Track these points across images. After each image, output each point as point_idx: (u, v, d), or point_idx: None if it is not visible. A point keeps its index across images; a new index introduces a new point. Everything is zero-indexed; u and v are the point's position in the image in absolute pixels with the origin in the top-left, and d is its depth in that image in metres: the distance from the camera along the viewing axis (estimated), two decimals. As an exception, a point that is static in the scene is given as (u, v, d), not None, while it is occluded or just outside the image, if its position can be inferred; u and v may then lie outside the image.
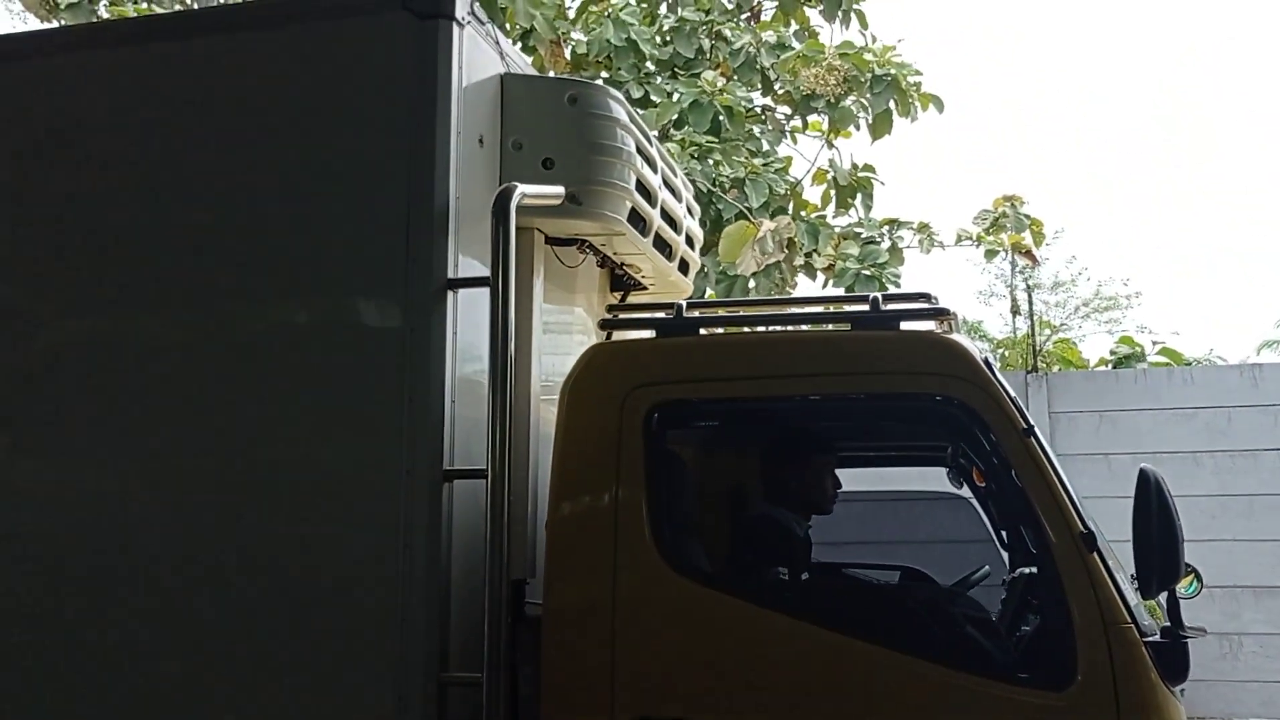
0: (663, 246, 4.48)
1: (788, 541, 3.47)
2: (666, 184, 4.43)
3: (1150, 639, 2.92)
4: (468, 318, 3.43)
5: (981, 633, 3.08)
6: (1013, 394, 3.12)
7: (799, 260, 9.74)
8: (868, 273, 9.21)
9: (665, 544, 3.19)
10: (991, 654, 3.05)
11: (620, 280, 4.64)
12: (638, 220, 4.10)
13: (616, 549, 3.20)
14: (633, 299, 4.58)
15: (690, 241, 4.79)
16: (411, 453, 3.29)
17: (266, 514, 3.43)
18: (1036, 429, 3.07)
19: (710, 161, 10.53)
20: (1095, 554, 2.93)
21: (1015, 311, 15.29)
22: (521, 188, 3.43)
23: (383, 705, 3.19)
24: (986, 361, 3.15)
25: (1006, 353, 15.94)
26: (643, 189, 4.07)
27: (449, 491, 3.33)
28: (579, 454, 3.31)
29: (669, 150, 7.26)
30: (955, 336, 3.25)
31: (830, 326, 3.45)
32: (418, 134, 3.46)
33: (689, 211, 4.80)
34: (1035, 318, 14.53)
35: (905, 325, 3.29)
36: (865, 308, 3.29)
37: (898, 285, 8.75)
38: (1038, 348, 14.82)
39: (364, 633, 3.27)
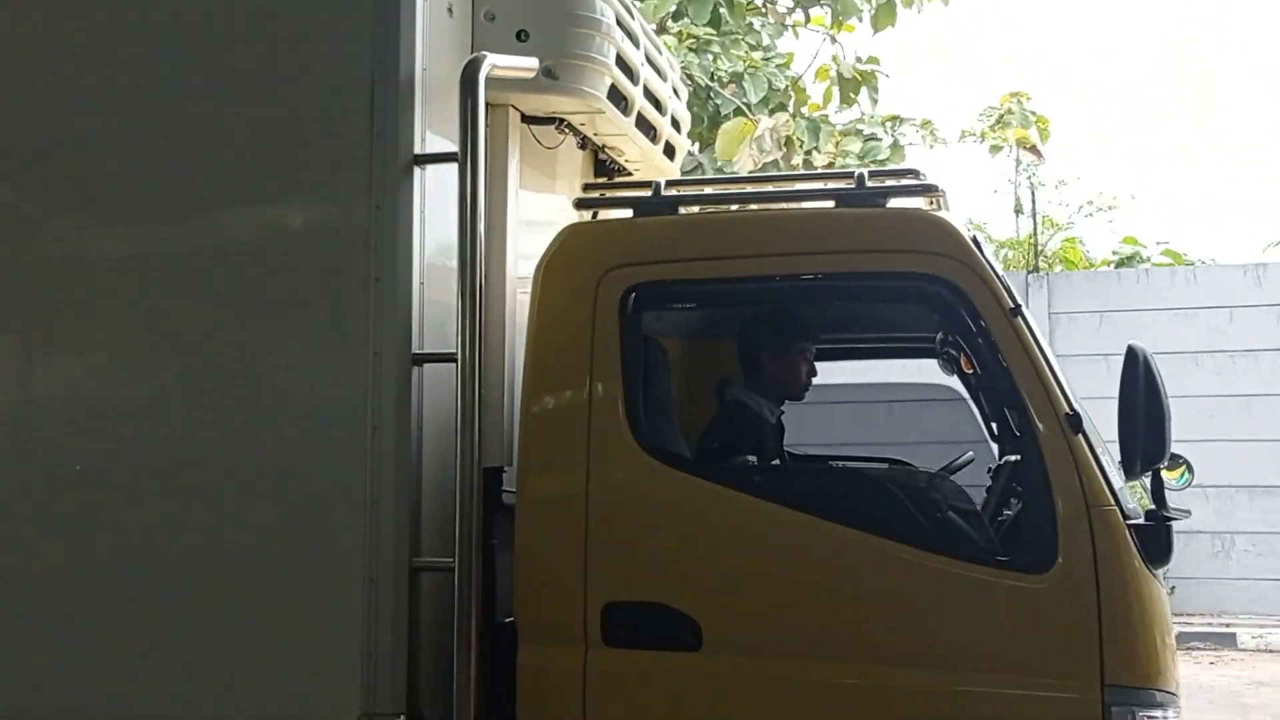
0: (647, 129, 4.32)
1: (763, 427, 3.39)
2: (650, 61, 4.25)
3: (1133, 521, 2.85)
4: (438, 197, 3.30)
5: (960, 516, 3.01)
6: (1000, 273, 3.00)
7: (797, 159, 9.54)
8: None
9: (639, 429, 3.10)
10: (970, 537, 2.99)
11: (604, 166, 4.49)
12: (618, 98, 3.93)
13: (590, 434, 3.12)
14: (617, 184, 4.44)
15: (676, 124, 4.62)
16: (379, 336, 3.19)
17: (238, 400, 3.34)
18: (1024, 309, 2.96)
19: (708, 55, 10.25)
20: (1081, 436, 2.84)
21: (1019, 211, 15.04)
22: (492, 58, 3.28)
23: (354, 587, 3.14)
24: (975, 240, 3.03)
25: (1010, 253, 15.73)
26: (624, 65, 3.90)
27: (419, 376, 3.24)
28: (552, 338, 3.21)
29: (665, 44, 7.01)
30: (943, 214, 3.12)
31: (814, 205, 3.32)
32: (382, 2, 3.29)
33: (675, 92, 4.62)
34: (1038, 217, 14.30)
35: (892, 203, 3.16)
36: (851, 185, 3.16)
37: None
38: (1039, 248, 14.62)
39: (335, 515, 3.21)
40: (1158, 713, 2.82)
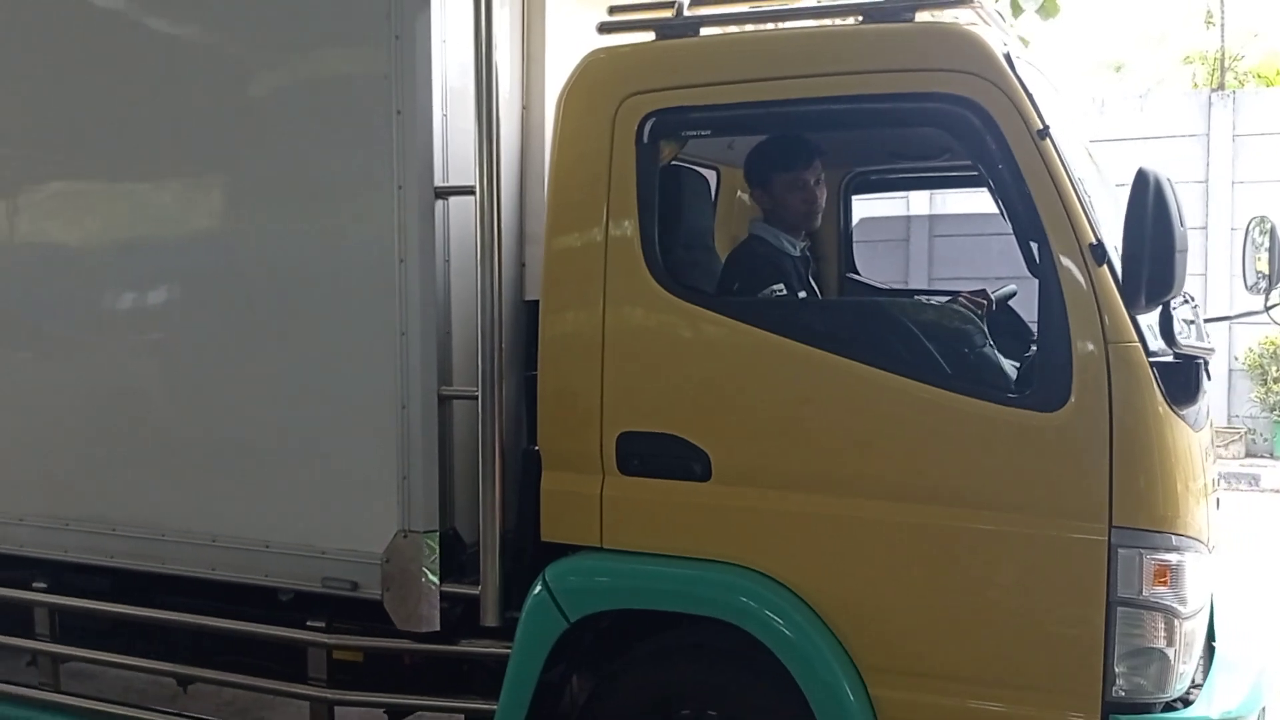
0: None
1: (780, 260, 3.30)
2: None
3: (1158, 359, 2.68)
4: (462, 25, 3.26)
5: (971, 349, 2.89)
6: (1033, 92, 2.78)
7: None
8: None
9: (654, 262, 3.07)
10: (981, 372, 2.87)
11: None
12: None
13: (606, 267, 3.10)
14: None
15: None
16: (403, 169, 3.23)
17: (277, 240, 3.48)
18: (1054, 132, 2.75)
19: None
20: (1105, 267, 2.66)
21: (1210, 23, 13.74)
22: (505, -121, 3.17)
23: (389, 414, 3.28)
24: (1008, 56, 2.80)
25: (1197, 69, 14.48)
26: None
27: (444, 208, 3.29)
28: (572, 170, 3.17)
29: None
30: (975, 28, 2.89)
31: (839, 22, 3.12)
32: None
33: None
34: (1224, 29, 13.03)
35: (923, 16, 2.94)
36: (874, -1, 2.96)
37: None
38: (1229, 62, 13.39)
39: (370, 346, 3.33)
40: (1172, 557, 2.69)
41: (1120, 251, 2.56)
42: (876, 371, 2.87)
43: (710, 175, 3.87)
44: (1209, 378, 2.92)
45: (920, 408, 2.83)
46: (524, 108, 3.55)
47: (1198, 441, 2.83)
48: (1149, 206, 2.45)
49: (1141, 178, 2.48)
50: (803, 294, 3.32)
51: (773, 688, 2.95)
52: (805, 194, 3.36)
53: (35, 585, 3.96)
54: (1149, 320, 2.74)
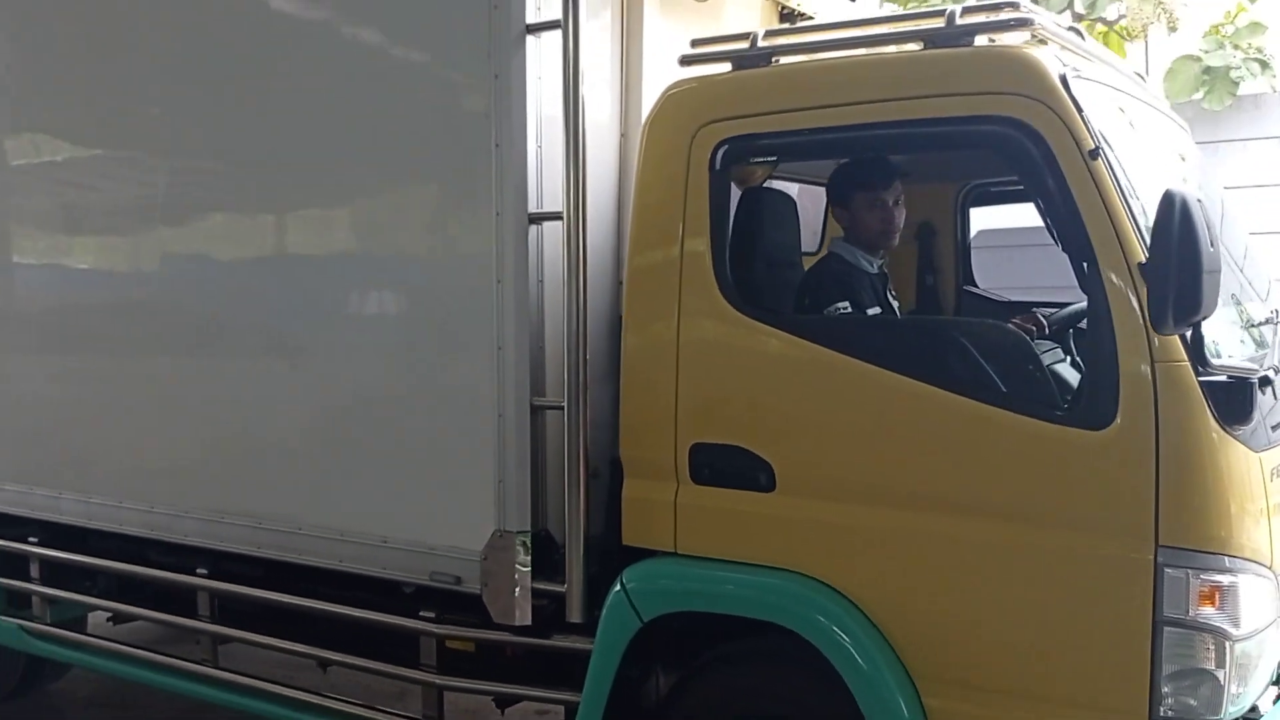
0: (814, -29, 4.28)
1: (856, 278, 3.40)
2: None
3: (1208, 379, 2.66)
4: (555, 63, 3.51)
5: (1024, 369, 2.92)
6: (1089, 112, 2.81)
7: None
8: None
9: (725, 282, 3.24)
10: (1032, 390, 2.90)
11: (790, 14, 4.49)
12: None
13: (681, 285, 3.29)
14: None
15: (858, -36, 4.51)
16: (500, 197, 3.50)
17: (381, 261, 3.85)
18: (1107, 152, 2.77)
19: None
20: None
21: None
22: (594, -73, 3.41)
23: (488, 422, 3.56)
24: (1063, 76, 2.84)
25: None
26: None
27: (538, 233, 3.54)
28: (652, 195, 3.38)
29: None
30: (1031, 50, 2.93)
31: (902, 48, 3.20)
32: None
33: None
34: None
35: (983, 40, 3.01)
36: (941, 24, 3.03)
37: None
38: None
39: (470, 359, 3.62)
40: (1223, 578, 2.67)
41: (1147, 272, 2.57)
42: (930, 388, 2.95)
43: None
44: (1277, 397, 2.86)
45: (972, 423, 2.90)
46: (622, 135, 3.78)
47: (1258, 462, 2.78)
48: (1175, 228, 2.46)
49: (1168, 199, 2.49)
50: (875, 310, 3.41)
51: (830, 693, 3.05)
52: (882, 213, 3.45)
53: (198, 571, 4.44)
54: (1207, 339, 2.73)
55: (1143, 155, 3.19)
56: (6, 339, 5.04)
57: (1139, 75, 3.96)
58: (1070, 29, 3.35)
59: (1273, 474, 2.87)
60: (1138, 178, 2.87)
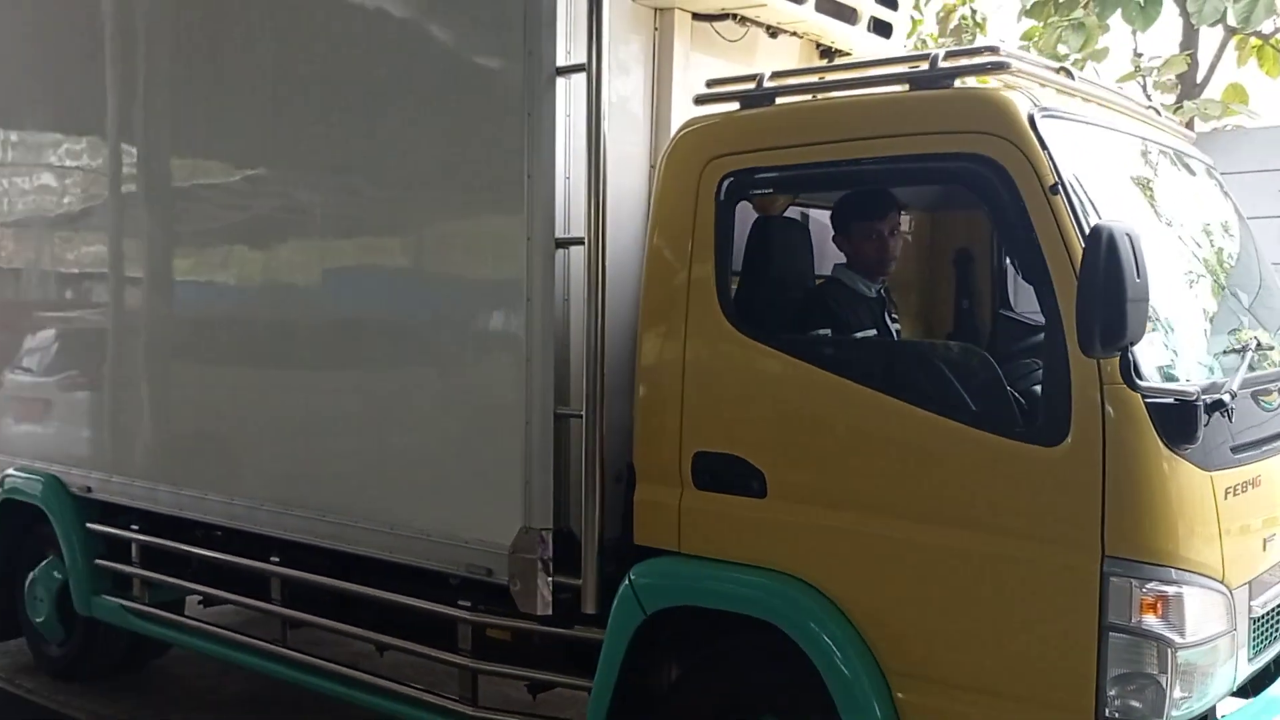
0: (842, 11, 4.52)
1: (855, 301, 3.63)
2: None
3: (1153, 400, 2.84)
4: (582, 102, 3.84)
5: (989, 388, 3.11)
6: (1055, 152, 3.01)
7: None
8: None
9: (727, 302, 3.52)
10: (995, 409, 3.09)
11: (828, 50, 4.74)
12: (787, -11, 4.21)
13: (688, 308, 3.58)
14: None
15: (890, 2, 4.73)
16: (531, 224, 3.84)
17: (426, 278, 4.24)
18: (1071, 187, 2.97)
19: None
20: None
21: None
22: (614, -20, 3.73)
23: (516, 428, 3.90)
24: (1031, 117, 3.04)
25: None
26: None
27: (564, 256, 3.87)
28: (666, 220, 3.68)
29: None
30: (1004, 91, 3.14)
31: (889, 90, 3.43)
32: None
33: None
34: None
35: (963, 82, 3.23)
36: (926, 66, 3.27)
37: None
38: None
39: (502, 370, 3.97)
40: (1168, 589, 2.84)
41: (1077, 300, 2.76)
42: (901, 403, 3.18)
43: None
44: (1229, 417, 2.99)
45: (937, 437, 3.12)
46: (651, 166, 4.09)
47: (1208, 480, 2.93)
48: (1102, 259, 2.65)
49: (1095, 233, 2.68)
50: (871, 332, 3.63)
51: (812, 685, 3.29)
52: (878, 243, 3.68)
53: (271, 559, 4.89)
54: (1158, 364, 2.91)
55: (1119, 187, 3.36)
56: (127, 351, 5.61)
57: (1152, 109, 4.10)
58: (1060, 69, 3.54)
59: (1230, 492, 3.01)
60: (1107, 209, 3.06)
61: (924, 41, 13.03)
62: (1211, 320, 3.40)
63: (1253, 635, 3.18)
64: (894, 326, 3.78)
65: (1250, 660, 3.19)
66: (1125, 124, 3.67)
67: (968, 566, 3.09)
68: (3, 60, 6.12)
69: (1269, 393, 3.30)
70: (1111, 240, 2.64)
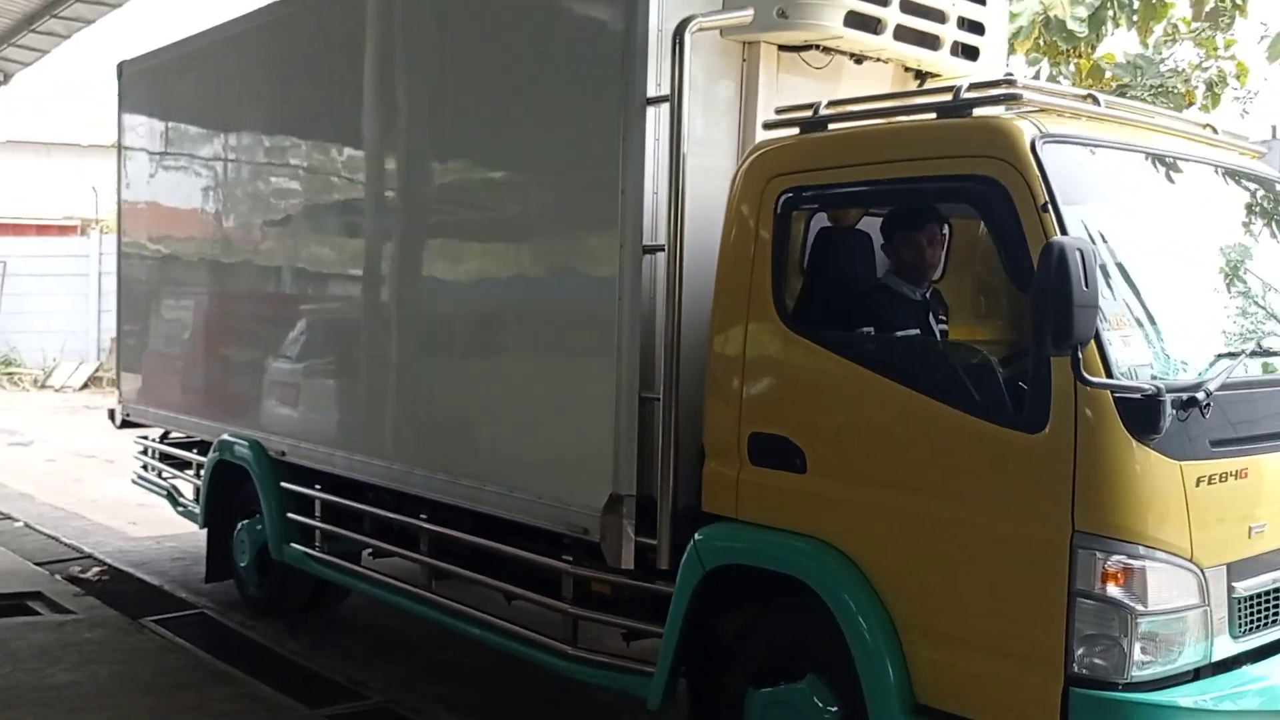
0: (924, 39, 4.93)
1: (901, 304, 4.08)
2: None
3: (1121, 395, 3.21)
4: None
5: (989, 382, 3.54)
6: (1051, 174, 3.39)
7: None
8: None
9: (780, 303, 4.05)
10: (990, 400, 3.50)
11: (920, 75, 5.17)
12: (867, 21, 4.67)
13: (750, 303, 4.13)
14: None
15: (976, 28, 5.09)
16: (624, 232, 4.48)
17: (535, 282, 4.98)
18: (1060, 205, 3.36)
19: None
20: None
21: None
22: (699, 19, 4.30)
23: (608, 408, 4.54)
24: (1034, 143, 3.44)
25: None
26: (865, -9, 4.62)
27: (651, 262, 4.48)
28: (735, 232, 4.23)
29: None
30: (1013, 119, 3.53)
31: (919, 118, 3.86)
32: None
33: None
34: None
35: (982, 111, 3.66)
36: (950, 98, 3.71)
37: None
38: None
39: (598, 359, 4.62)
40: (1132, 562, 3.20)
41: (1032, 307, 3.16)
42: (913, 393, 3.65)
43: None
44: (1204, 414, 3.32)
45: (943, 423, 3.57)
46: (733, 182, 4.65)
47: (1176, 468, 3.27)
48: (1052, 270, 3.05)
49: (1047, 248, 3.08)
50: (914, 332, 4.08)
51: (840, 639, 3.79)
52: (918, 252, 4.13)
53: (420, 516, 5.70)
54: (1130, 361, 3.29)
55: (1123, 203, 3.71)
56: (315, 340, 6.60)
57: (1210, 127, 4.36)
58: (1088, 96, 3.89)
59: (1203, 481, 3.34)
60: (1099, 224, 3.44)
61: (1175, 27, 12.88)
62: (1213, 326, 3.69)
63: (1239, 614, 3.47)
64: (939, 327, 4.21)
65: (1238, 638, 3.48)
66: (1160, 143, 3.98)
67: (964, 536, 3.53)
68: (282, 83, 7.05)
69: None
70: (1062, 254, 3.05)
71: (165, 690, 5.64)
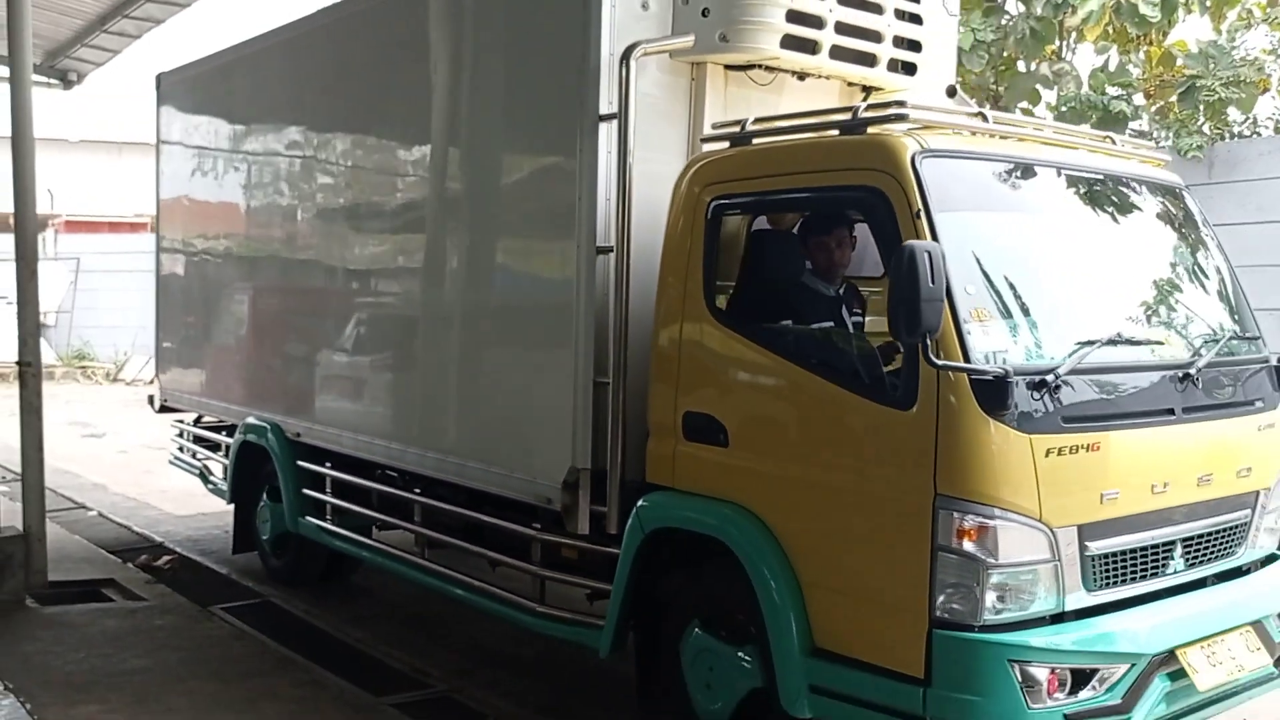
0: (861, 58, 5.43)
1: (815, 299, 4.60)
2: (865, 4, 5.34)
3: (976, 378, 3.71)
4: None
5: (875, 368, 4.06)
6: (927, 184, 3.90)
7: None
8: None
9: (709, 298, 4.59)
10: (873, 381, 4.03)
11: (869, 90, 5.66)
12: (804, 43, 5.18)
13: (685, 298, 4.67)
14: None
15: (913, 45, 5.57)
16: (580, 234, 5.03)
17: (508, 279, 5.59)
18: (935, 212, 3.87)
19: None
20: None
21: None
22: (643, 44, 4.85)
23: (567, 392, 5.11)
24: (914, 156, 3.95)
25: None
26: (801, 17, 5.11)
27: (605, 262, 5.02)
28: (674, 236, 4.77)
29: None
30: (899, 136, 4.03)
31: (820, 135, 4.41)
32: (585, 12, 5.00)
33: (909, 18, 5.54)
34: None
35: (876, 129, 4.16)
36: (849, 116, 4.23)
37: None
38: None
39: (557, 348, 5.19)
40: (986, 522, 3.71)
41: (888, 300, 3.67)
42: (814, 377, 4.18)
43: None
44: (1054, 394, 3.81)
45: (834, 401, 4.10)
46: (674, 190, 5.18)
47: (1027, 441, 3.76)
48: (904, 269, 3.56)
49: (899, 251, 3.60)
50: (829, 324, 4.59)
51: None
52: (829, 253, 4.65)
53: (414, 490, 6.31)
54: (989, 347, 3.79)
55: (997, 209, 4.22)
56: (321, 333, 7.25)
57: (1108, 138, 4.83)
58: (977, 114, 4.39)
59: (1053, 452, 3.82)
60: (967, 227, 3.96)
61: (1250, 12, 12.55)
62: (1077, 317, 4.17)
63: (1093, 570, 3.95)
64: (853, 320, 4.73)
65: (1093, 590, 3.96)
66: (1045, 154, 4.47)
67: (851, 501, 4.06)
68: (351, 87, 7.33)
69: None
70: (912, 254, 3.56)
71: (234, 677, 5.77)
